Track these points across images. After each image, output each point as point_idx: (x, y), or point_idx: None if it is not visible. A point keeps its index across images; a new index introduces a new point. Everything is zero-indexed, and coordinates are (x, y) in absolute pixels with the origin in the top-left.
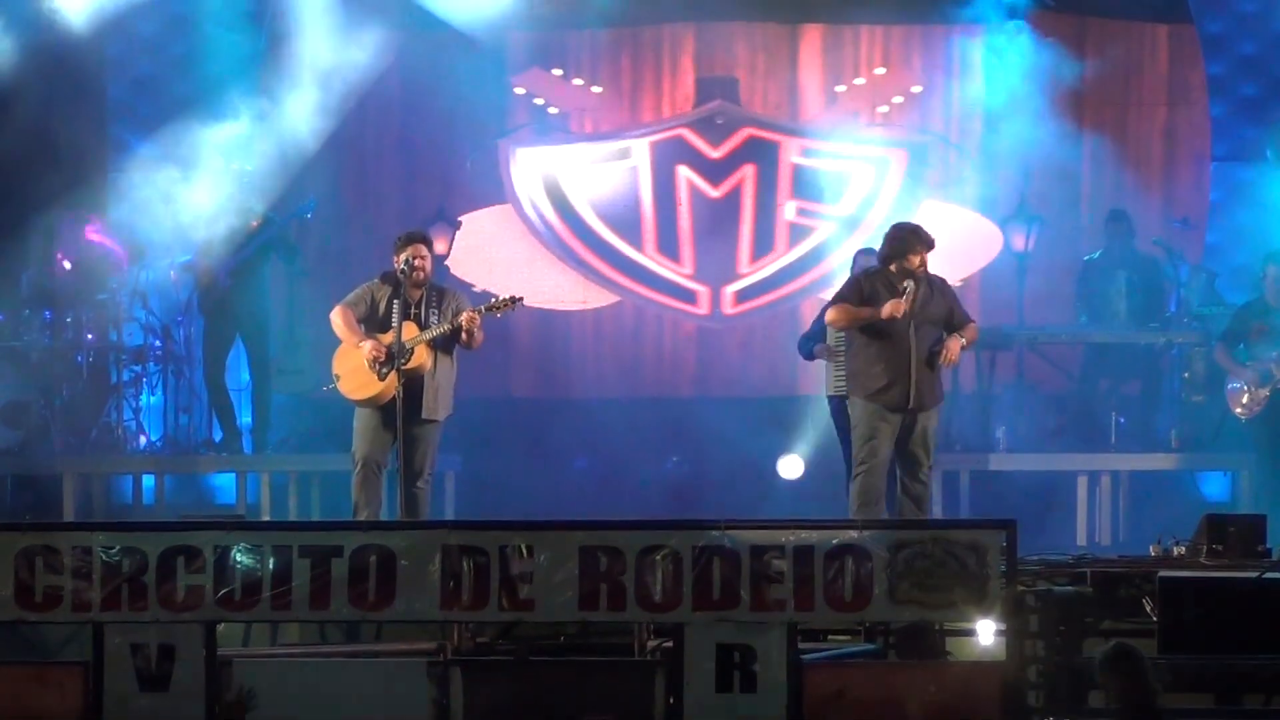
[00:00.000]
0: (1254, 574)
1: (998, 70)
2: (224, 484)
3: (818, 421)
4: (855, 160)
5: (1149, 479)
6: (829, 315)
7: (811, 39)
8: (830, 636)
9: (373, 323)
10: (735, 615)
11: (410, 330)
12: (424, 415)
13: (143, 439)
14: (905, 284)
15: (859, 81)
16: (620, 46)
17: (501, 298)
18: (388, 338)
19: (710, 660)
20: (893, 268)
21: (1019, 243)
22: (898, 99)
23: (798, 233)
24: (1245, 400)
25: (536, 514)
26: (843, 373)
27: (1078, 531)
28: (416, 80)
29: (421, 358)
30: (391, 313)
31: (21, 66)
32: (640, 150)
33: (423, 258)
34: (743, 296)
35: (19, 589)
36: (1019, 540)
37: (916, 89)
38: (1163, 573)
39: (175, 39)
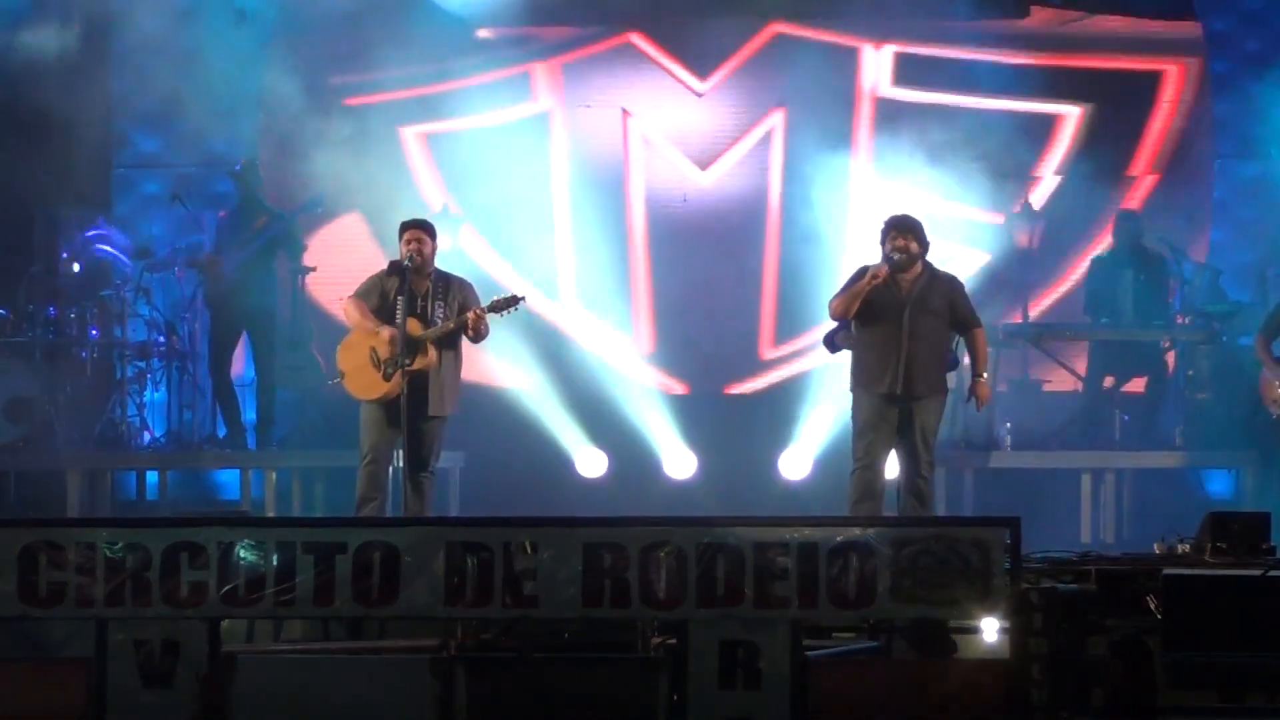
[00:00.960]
0: (1258, 572)
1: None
2: (228, 480)
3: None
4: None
5: (1153, 476)
6: (830, 307)
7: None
8: (834, 634)
9: (382, 314)
10: (739, 612)
11: (415, 328)
12: (430, 412)
13: (147, 435)
14: (889, 255)
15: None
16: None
17: (504, 296)
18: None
19: (714, 657)
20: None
21: (1024, 240)
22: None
23: None
24: (1275, 395)
25: (540, 511)
26: None
27: (1082, 529)
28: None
29: (427, 356)
30: (397, 306)
31: (26, 62)
32: (543, 80)
33: (419, 242)
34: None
35: (22, 585)
36: (1023, 538)
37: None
38: (1167, 570)
39: (179, 35)
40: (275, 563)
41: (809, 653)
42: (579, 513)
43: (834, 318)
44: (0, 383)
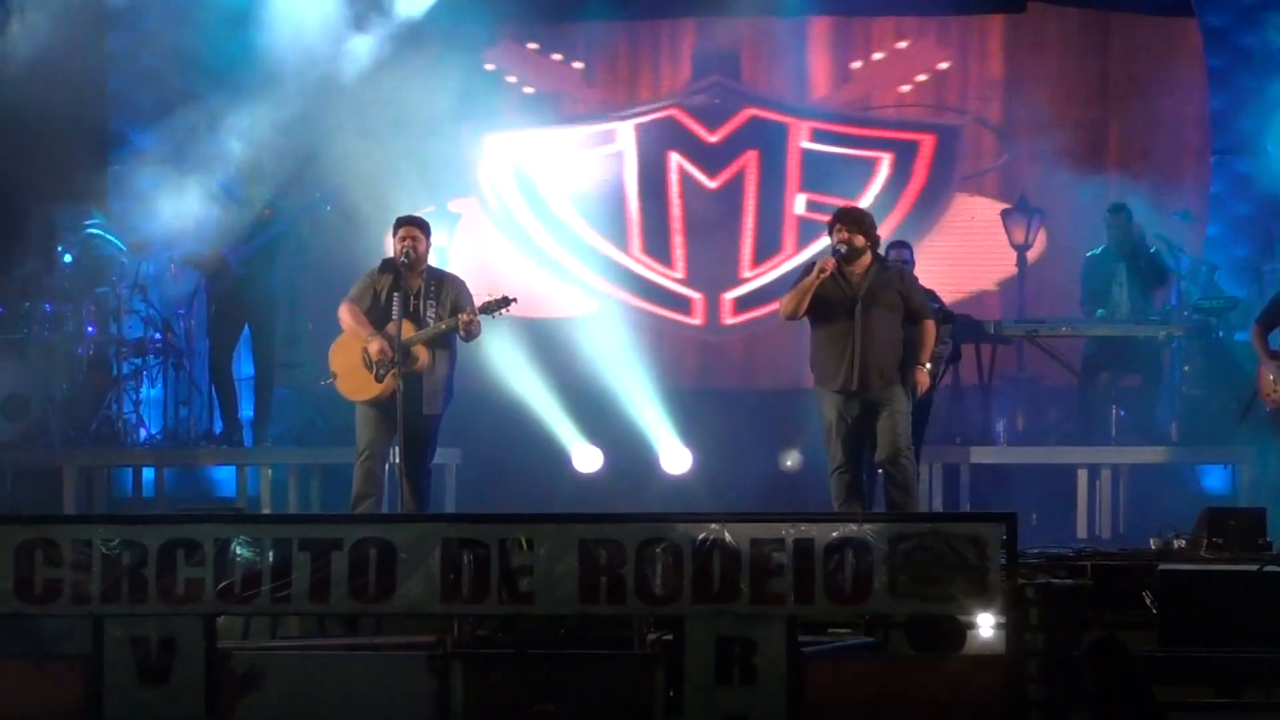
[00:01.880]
0: (1254, 567)
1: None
2: (224, 477)
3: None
4: (875, 145)
5: (1149, 472)
6: (781, 306)
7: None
8: (830, 630)
9: (374, 314)
10: (735, 608)
11: (408, 329)
12: (424, 411)
13: (143, 432)
14: (835, 247)
15: (877, 56)
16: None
17: (495, 297)
18: (389, 329)
19: (710, 653)
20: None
21: (1019, 235)
22: (922, 77)
23: (808, 229)
24: (1271, 389)
25: (536, 507)
26: None
27: (1078, 525)
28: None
29: (419, 357)
30: (392, 305)
31: (22, 59)
32: (625, 134)
33: (413, 239)
34: (743, 304)
35: (19, 582)
36: (1019, 533)
37: (944, 65)
38: (1163, 566)
39: (175, 31)
40: (271, 559)
41: (805, 649)
42: (575, 509)
43: (785, 317)
44: None
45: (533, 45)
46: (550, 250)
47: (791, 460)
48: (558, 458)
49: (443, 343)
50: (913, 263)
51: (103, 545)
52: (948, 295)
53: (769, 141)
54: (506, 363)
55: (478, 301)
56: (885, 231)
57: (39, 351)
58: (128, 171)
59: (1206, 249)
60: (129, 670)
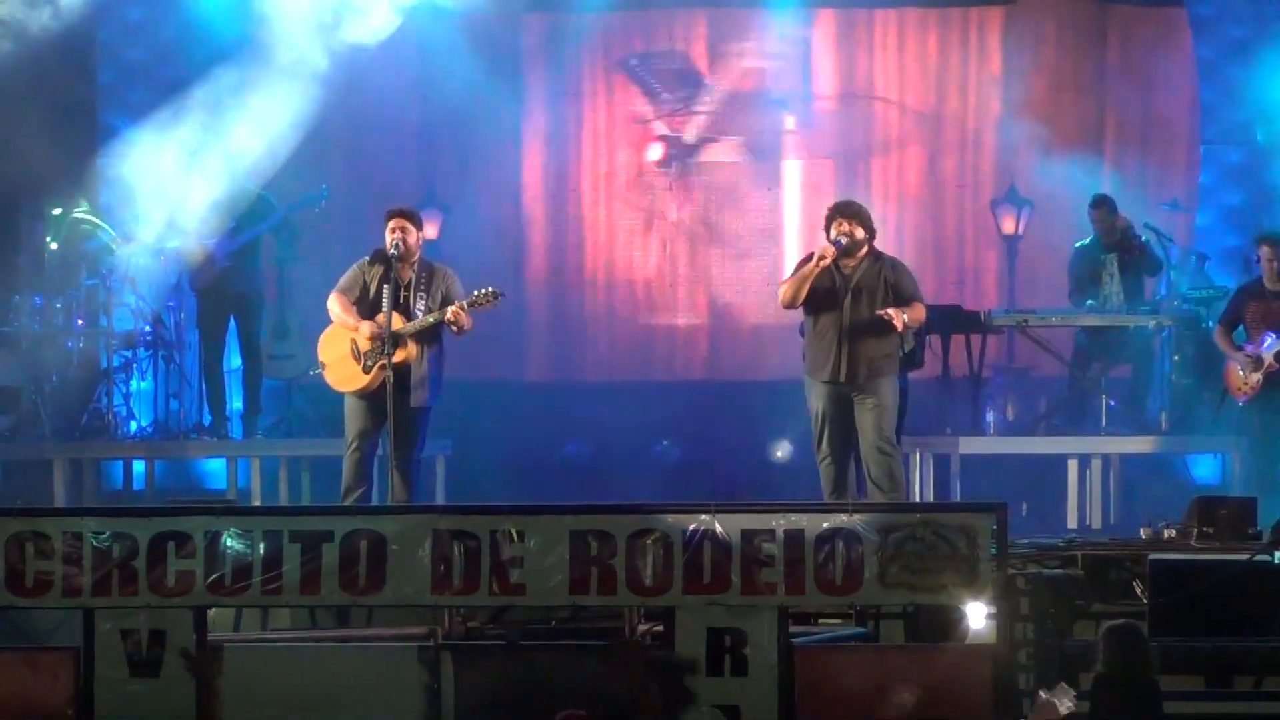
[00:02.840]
0: (1244, 556)
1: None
2: (214, 469)
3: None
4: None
5: (1140, 462)
6: (780, 294)
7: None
8: (821, 620)
9: (364, 304)
10: (726, 599)
11: (397, 321)
12: (412, 403)
13: (133, 424)
14: (835, 239)
15: (875, 49)
16: (630, 30)
17: (484, 291)
18: (379, 321)
19: (701, 644)
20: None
21: (1009, 226)
22: (914, 68)
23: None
24: (1240, 382)
25: (527, 498)
26: None
27: (1068, 514)
28: (427, 64)
29: (408, 350)
30: (381, 296)
31: (11, 52)
32: (652, 135)
33: (403, 230)
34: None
35: (9, 575)
36: (1009, 523)
37: (936, 57)
38: (1153, 555)
39: (165, 24)
40: (262, 551)
41: (796, 639)
42: (566, 500)
43: (784, 305)
44: None
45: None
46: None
47: (782, 451)
48: (549, 449)
49: (432, 335)
50: None
51: (93, 538)
52: (933, 284)
53: (759, 134)
54: (496, 353)
55: (468, 295)
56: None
57: (29, 344)
58: (117, 164)
59: (1196, 239)
60: (120, 663)
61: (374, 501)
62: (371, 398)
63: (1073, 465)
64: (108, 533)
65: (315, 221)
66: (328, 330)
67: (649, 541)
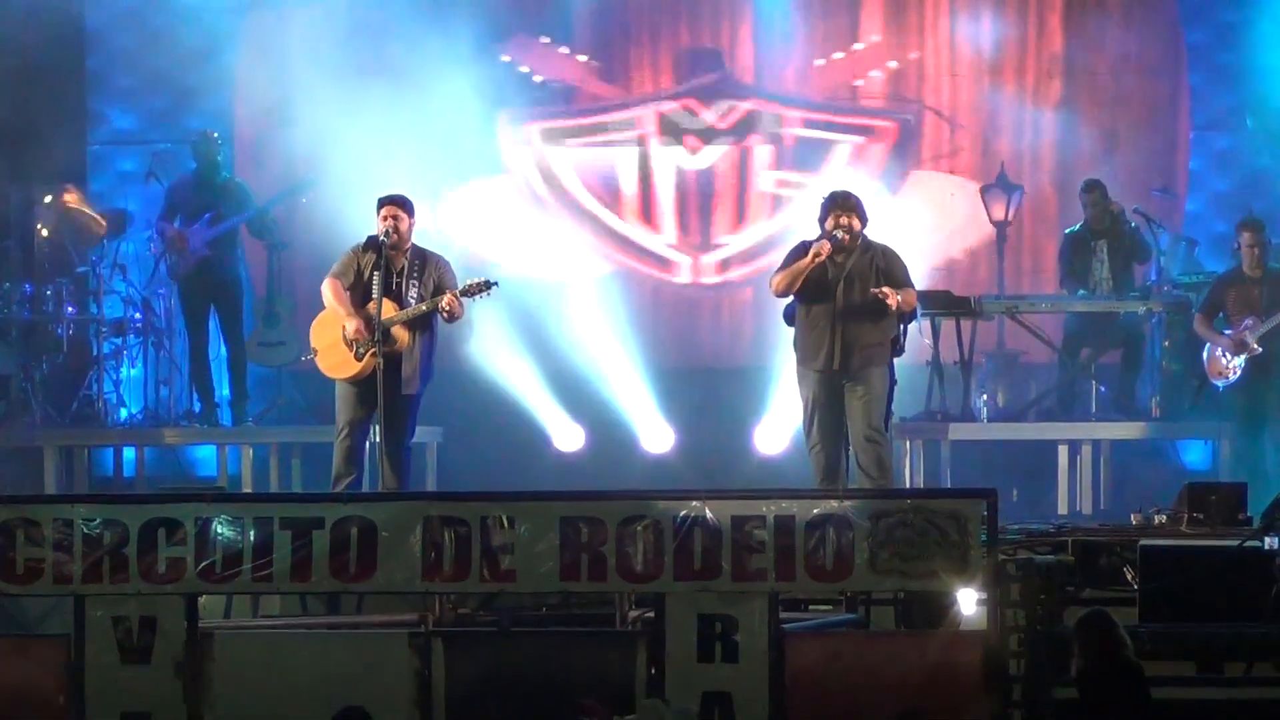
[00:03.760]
0: (1235, 542)
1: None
2: (205, 456)
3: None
4: (840, 131)
5: (1130, 448)
6: (771, 284)
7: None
8: (811, 606)
9: (356, 291)
10: (717, 585)
11: (389, 308)
12: (403, 390)
13: (123, 411)
14: (832, 233)
15: (857, 47)
16: (608, 14)
17: (476, 281)
18: (370, 308)
19: (692, 630)
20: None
21: (999, 212)
22: (892, 64)
23: (778, 203)
24: (1222, 367)
25: (518, 485)
26: None
27: (1059, 501)
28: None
29: (399, 338)
30: (373, 282)
31: None
32: (623, 121)
33: (394, 218)
34: (723, 266)
35: (0, 562)
36: (1000, 509)
37: (914, 55)
38: (1144, 541)
39: (154, 11)
40: (252, 538)
41: (786, 625)
42: (556, 487)
43: (776, 295)
44: None
45: (544, 39)
46: (563, 220)
47: (772, 437)
48: (539, 436)
49: (423, 323)
50: None
51: (84, 525)
52: (921, 269)
53: (746, 127)
54: (489, 340)
55: (461, 283)
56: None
57: (19, 331)
58: (106, 150)
59: (1186, 225)
60: (110, 650)
61: (365, 488)
62: (362, 385)
63: (1063, 451)
64: (98, 520)
65: (312, 206)
66: (320, 316)
67: (640, 528)
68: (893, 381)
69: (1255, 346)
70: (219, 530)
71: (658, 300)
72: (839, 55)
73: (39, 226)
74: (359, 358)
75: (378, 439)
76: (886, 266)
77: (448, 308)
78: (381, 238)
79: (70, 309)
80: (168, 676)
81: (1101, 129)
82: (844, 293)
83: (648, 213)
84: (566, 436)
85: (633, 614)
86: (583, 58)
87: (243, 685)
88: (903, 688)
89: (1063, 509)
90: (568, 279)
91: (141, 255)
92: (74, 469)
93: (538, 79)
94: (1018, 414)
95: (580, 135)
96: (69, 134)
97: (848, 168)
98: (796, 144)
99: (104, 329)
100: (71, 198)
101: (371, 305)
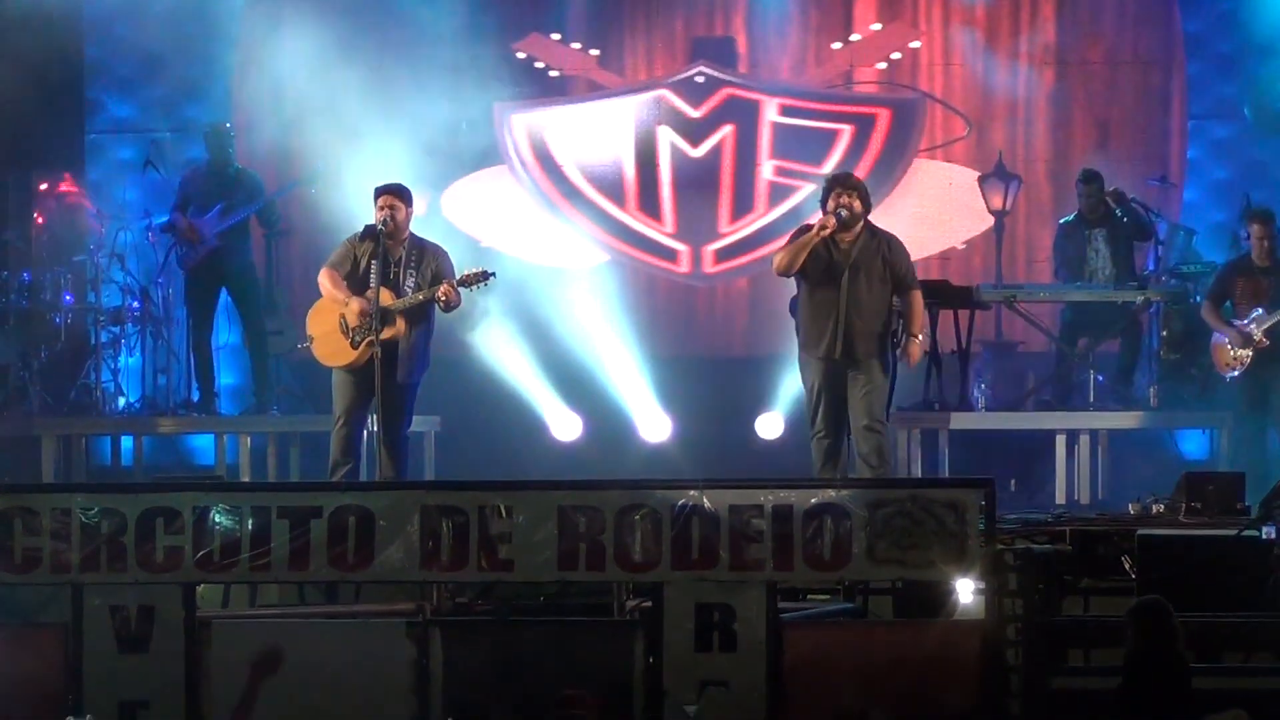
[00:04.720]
0: (1232, 531)
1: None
2: (203, 445)
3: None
4: (837, 119)
5: (1128, 437)
6: (775, 262)
7: None
8: (809, 596)
9: (353, 280)
10: (714, 575)
11: (386, 297)
12: (399, 379)
13: (121, 400)
14: (836, 210)
15: (855, 38)
16: (606, 2)
17: (474, 271)
18: (368, 297)
19: (689, 620)
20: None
21: (997, 201)
22: (896, 55)
23: (778, 192)
24: (1230, 358)
25: (515, 475)
26: None
27: (1057, 490)
28: (412, 40)
29: (396, 326)
30: (370, 272)
31: None
32: (623, 111)
33: (391, 208)
34: (723, 255)
35: None
36: (998, 499)
37: (916, 44)
38: (1142, 531)
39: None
40: (250, 527)
41: (784, 615)
42: (554, 476)
43: (779, 272)
44: None
45: (555, 35)
46: (564, 209)
47: (771, 426)
48: (537, 425)
49: (420, 312)
50: None
51: (82, 514)
52: (920, 258)
53: (743, 116)
54: (487, 329)
55: (459, 273)
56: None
57: (17, 320)
58: (104, 139)
59: (1184, 214)
60: (108, 639)
61: (362, 477)
62: (359, 373)
63: (1061, 441)
64: (96, 509)
65: (310, 196)
66: (316, 304)
67: (637, 517)
68: (894, 372)
69: (1263, 339)
70: (217, 519)
71: (655, 289)
72: (837, 45)
73: (37, 218)
74: (355, 346)
75: (375, 428)
76: (892, 259)
77: (444, 297)
78: (379, 227)
79: (68, 298)
80: (166, 665)
81: (1095, 119)
82: (849, 281)
83: (648, 202)
84: (564, 426)
85: (630, 603)
86: (576, 46)
87: (240, 674)
88: (900, 677)
89: (1060, 498)
90: (565, 268)
91: (140, 244)
92: (72, 458)
93: (537, 67)
94: (1015, 403)
95: (579, 124)
96: (67, 122)
97: (847, 156)
98: (797, 133)
99: (102, 318)
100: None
101: (369, 294)
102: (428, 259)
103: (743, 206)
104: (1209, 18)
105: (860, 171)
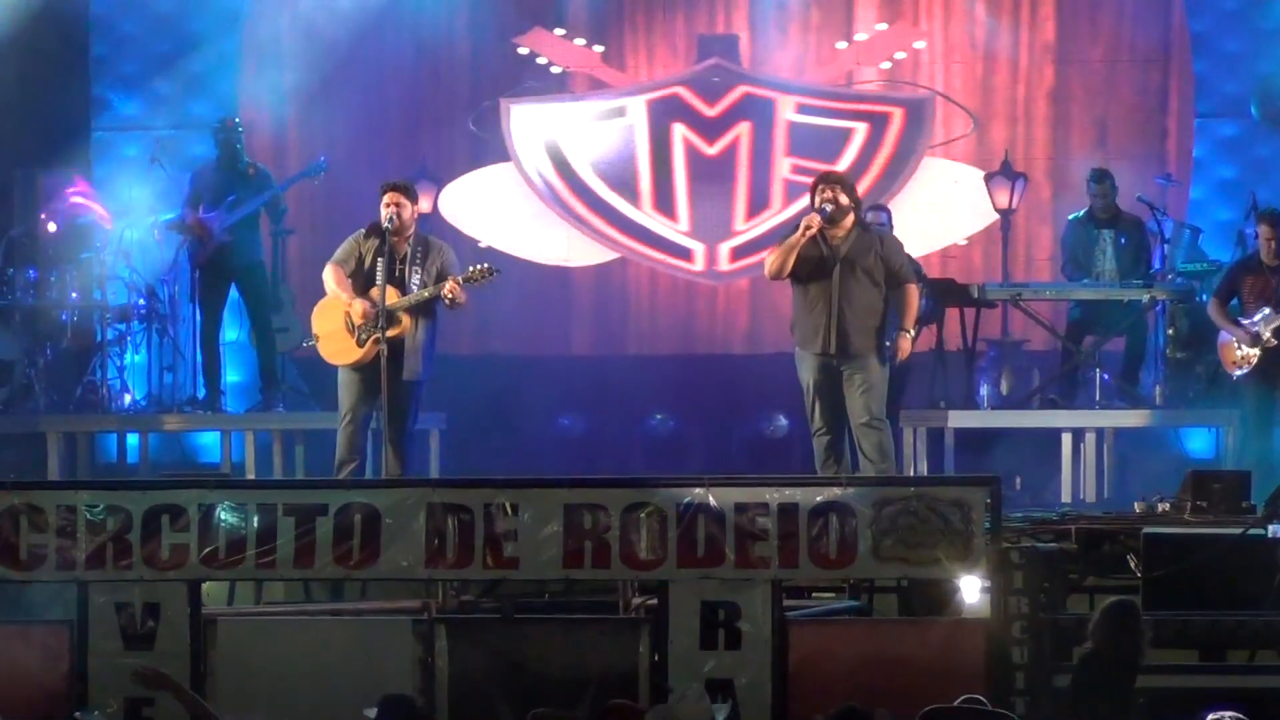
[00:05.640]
0: (1238, 530)
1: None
2: (208, 443)
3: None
4: (852, 117)
5: (1133, 436)
6: (766, 265)
7: None
8: (815, 594)
9: (358, 277)
10: (719, 572)
11: (391, 295)
12: (405, 377)
13: (127, 398)
14: (821, 207)
15: (860, 37)
16: (618, 2)
17: (479, 268)
18: (373, 293)
19: (695, 618)
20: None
21: (1003, 199)
22: (900, 54)
23: (794, 190)
24: (1236, 357)
25: (521, 472)
26: None
27: (1062, 488)
28: (414, 37)
29: (402, 323)
30: (376, 269)
31: (3, 25)
32: (636, 108)
33: (397, 205)
34: (739, 253)
35: (3, 548)
36: (1003, 497)
37: (920, 44)
38: (1147, 529)
39: None
40: (256, 525)
41: (789, 613)
42: (559, 474)
43: (770, 276)
44: None
45: (559, 30)
46: (575, 207)
47: (776, 424)
48: (543, 423)
49: (426, 309)
50: (890, 225)
51: (87, 511)
52: (925, 255)
53: (759, 114)
54: (493, 326)
55: (464, 270)
56: (864, 193)
57: (23, 317)
58: (110, 137)
59: (1189, 213)
60: (114, 636)
61: (368, 475)
62: (365, 371)
63: (1066, 439)
64: (102, 506)
65: (315, 193)
66: (321, 302)
67: (643, 515)
68: (905, 369)
69: (1271, 338)
70: (222, 517)
71: (660, 286)
72: (842, 45)
73: (45, 219)
74: (361, 343)
75: (381, 425)
76: (885, 253)
77: (450, 294)
78: (384, 224)
79: (74, 295)
80: (171, 663)
81: (1093, 117)
82: (841, 275)
83: (663, 200)
84: (570, 424)
85: (636, 601)
86: (581, 41)
87: (246, 672)
88: (905, 675)
89: (1066, 497)
90: (572, 264)
91: (146, 241)
92: (77, 455)
93: (539, 63)
94: (1021, 401)
95: (591, 121)
96: (73, 120)
97: (862, 154)
98: (811, 131)
99: (108, 315)
100: (75, 192)
101: (374, 291)
102: (433, 255)
103: (758, 204)
104: (1215, 16)
105: (874, 169)
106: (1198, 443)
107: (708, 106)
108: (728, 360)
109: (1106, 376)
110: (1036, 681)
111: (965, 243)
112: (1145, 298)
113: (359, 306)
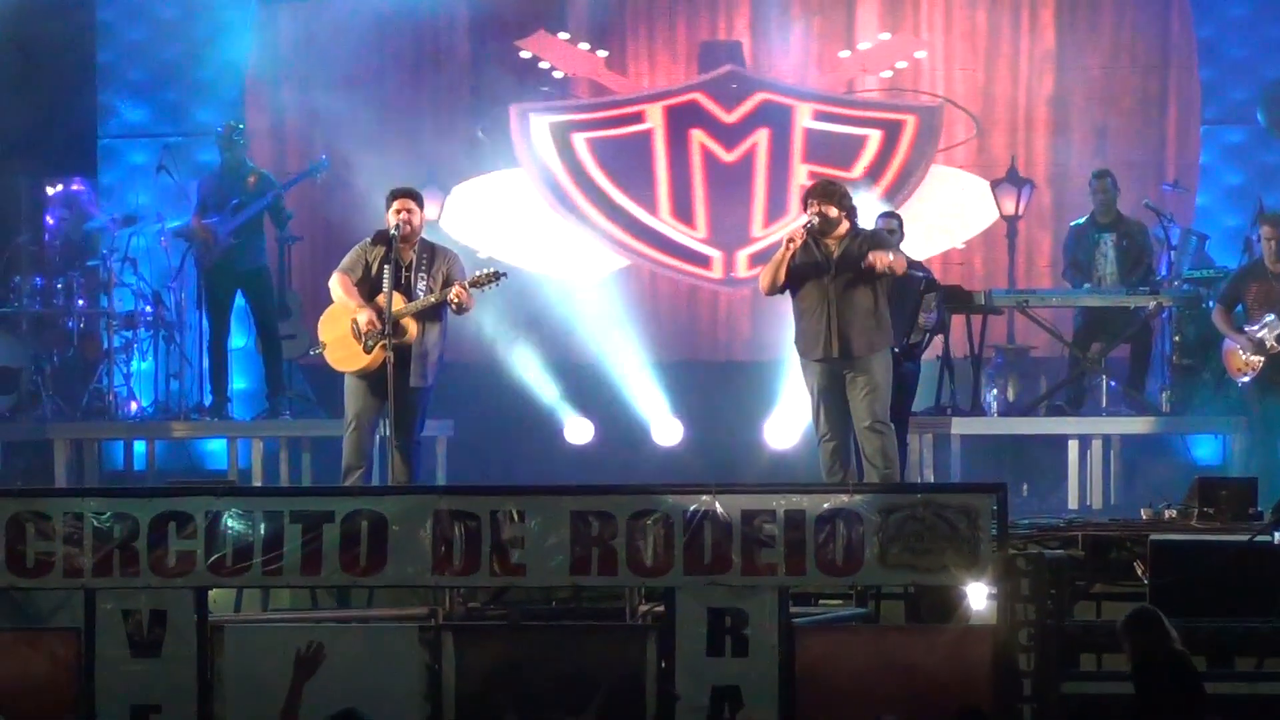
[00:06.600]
0: (1245, 537)
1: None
2: (215, 450)
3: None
4: (867, 124)
5: (1140, 442)
6: (759, 283)
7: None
8: (821, 601)
9: (365, 285)
10: (727, 579)
11: (398, 301)
12: (411, 384)
13: (134, 405)
14: (807, 222)
15: (863, 46)
16: (625, 7)
17: (485, 272)
18: (379, 300)
19: (702, 624)
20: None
21: (1009, 206)
22: (901, 64)
23: None
24: (1242, 364)
25: (528, 479)
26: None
27: (1069, 495)
28: (417, 42)
29: (409, 330)
30: (383, 276)
31: (10, 33)
32: (654, 114)
33: (408, 211)
34: (756, 260)
35: (10, 555)
36: (1010, 504)
37: (921, 53)
38: (1154, 536)
39: (164, 5)
40: (263, 532)
41: (796, 620)
42: (566, 481)
43: (765, 293)
44: None
45: (563, 35)
46: (590, 214)
47: (780, 430)
48: (550, 429)
49: (433, 315)
50: (902, 233)
51: (94, 518)
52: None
53: (777, 121)
54: (500, 333)
55: (469, 276)
56: (876, 199)
57: (30, 325)
58: (117, 144)
59: (1196, 219)
60: (121, 643)
61: (374, 482)
62: (372, 377)
63: (1073, 446)
64: (109, 513)
65: (320, 200)
66: (328, 310)
67: (650, 522)
68: (914, 377)
69: (1276, 346)
70: (229, 524)
71: (664, 294)
72: (845, 54)
73: (50, 224)
74: (368, 350)
75: (387, 432)
76: (870, 246)
77: (456, 300)
78: (393, 231)
79: (81, 302)
80: (178, 670)
81: (1093, 124)
82: (834, 280)
83: (681, 207)
84: (577, 430)
85: (643, 608)
86: (585, 46)
87: (253, 678)
88: (912, 682)
89: (1073, 503)
90: (580, 271)
91: (152, 249)
92: (84, 462)
93: (542, 67)
94: (1028, 408)
95: (602, 128)
96: (80, 127)
97: (876, 161)
98: (826, 138)
99: (114, 322)
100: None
101: (380, 298)
102: (439, 262)
103: (776, 210)
104: (1222, 23)
105: (888, 176)
106: (1204, 449)
107: (726, 113)
108: (735, 366)
109: (1113, 383)
110: (1043, 688)
111: (964, 247)
112: (1151, 304)
113: (365, 313)
